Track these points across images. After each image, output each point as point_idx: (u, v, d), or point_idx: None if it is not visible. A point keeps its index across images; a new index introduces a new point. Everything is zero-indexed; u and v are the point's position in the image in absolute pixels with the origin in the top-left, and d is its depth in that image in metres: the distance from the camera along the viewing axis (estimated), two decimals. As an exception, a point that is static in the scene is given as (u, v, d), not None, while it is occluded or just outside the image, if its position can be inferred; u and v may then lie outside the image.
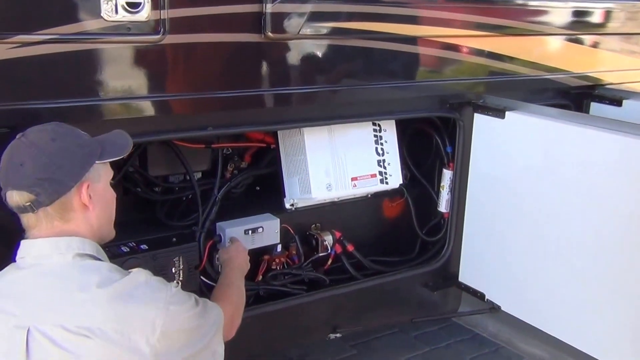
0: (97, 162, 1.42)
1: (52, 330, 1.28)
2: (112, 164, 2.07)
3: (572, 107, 2.89)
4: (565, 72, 2.84)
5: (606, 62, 3.00)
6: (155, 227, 2.23)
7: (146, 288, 1.36)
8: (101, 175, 1.44)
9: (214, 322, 1.49)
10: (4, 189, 1.37)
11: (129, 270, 1.41)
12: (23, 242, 1.39)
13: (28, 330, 1.28)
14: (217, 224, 2.29)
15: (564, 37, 2.81)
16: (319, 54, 2.16)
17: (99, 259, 1.42)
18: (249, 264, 2.05)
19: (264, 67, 2.06)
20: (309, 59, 2.14)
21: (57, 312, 1.29)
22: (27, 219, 1.38)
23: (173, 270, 2.10)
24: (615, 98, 2.91)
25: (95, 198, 1.41)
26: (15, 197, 1.35)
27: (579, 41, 2.88)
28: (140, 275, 1.38)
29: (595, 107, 2.96)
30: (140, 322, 1.30)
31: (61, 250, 1.36)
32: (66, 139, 1.40)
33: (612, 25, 2.99)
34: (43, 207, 1.35)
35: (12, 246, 1.41)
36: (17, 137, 1.39)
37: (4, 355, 1.30)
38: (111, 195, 1.50)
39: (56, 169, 1.35)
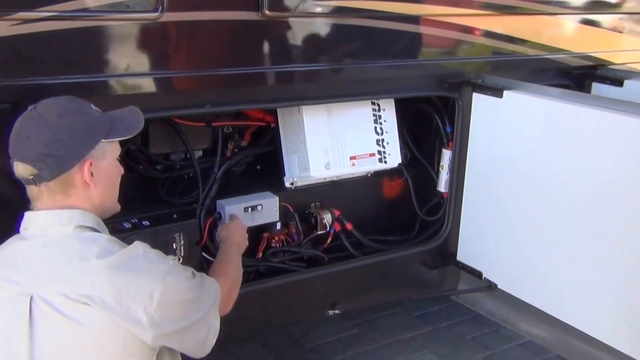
0: (103, 140, 1.43)
1: (54, 298, 1.31)
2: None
3: (573, 87, 2.86)
4: (566, 52, 2.84)
5: (608, 42, 2.99)
6: (156, 204, 2.27)
7: (144, 260, 1.39)
8: (106, 153, 1.45)
9: (211, 295, 1.52)
10: (12, 159, 1.41)
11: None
12: (27, 214, 1.43)
13: (31, 298, 1.32)
14: (217, 201, 2.32)
15: (566, 16, 2.81)
16: (317, 32, 2.18)
17: (99, 232, 1.44)
18: (247, 242, 2.07)
19: (262, 45, 2.08)
20: (306, 37, 2.16)
21: (58, 281, 1.33)
22: (31, 191, 1.42)
23: (174, 246, 2.15)
24: (616, 78, 2.89)
25: (98, 175, 1.43)
26: (20, 169, 1.39)
27: (580, 21, 2.87)
28: (138, 248, 1.41)
29: (597, 88, 2.94)
30: (138, 292, 1.33)
31: (63, 222, 1.39)
32: (74, 116, 1.41)
33: (615, 5, 2.98)
34: (45, 182, 1.38)
35: (17, 218, 1.45)
36: (29, 108, 1.41)
37: (9, 322, 1.33)
38: (116, 173, 1.51)
39: (60, 146, 1.37)
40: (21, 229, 1.44)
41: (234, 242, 1.98)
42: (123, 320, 1.31)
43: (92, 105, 1.47)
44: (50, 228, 1.39)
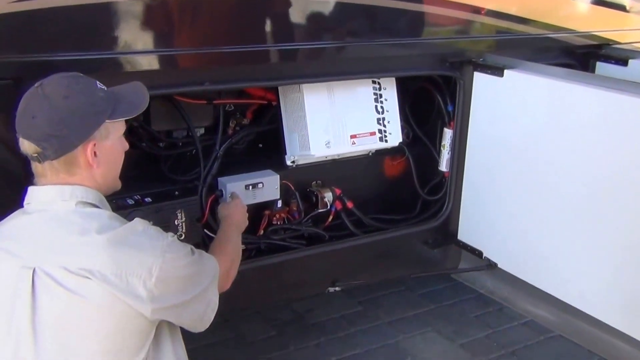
0: (107, 121, 1.44)
1: (55, 271, 1.34)
2: None
3: (577, 67, 2.87)
4: (570, 31, 2.83)
5: (613, 21, 2.97)
6: (159, 181, 2.30)
7: (144, 236, 1.41)
8: (110, 132, 1.46)
9: (209, 272, 1.55)
10: (18, 135, 1.43)
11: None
12: (30, 189, 1.46)
13: (34, 271, 1.35)
14: (219, 179, 2.35)
15: None
16: (317, 10, 2.19)
17: (101, 208, 1.47)
18: (247, 221, 2.09)
19: (262, 22, 2.10)
20: (307, 15, 2.18)
21: (59, 254, 1.36)
22: (35, 167, 1.45)
23: (176, 222, 2.18)
24: (621, 57, 2.89)
25: (101, 155, 1.45)
26: (26, 146, 1.42)
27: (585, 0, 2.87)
28: (138, 224, 1.43)
29: (601, 67, 2.95)
30: (138, 267, 1.36)
31: (65, 197, 1.42)
32: (79, 97, 1.42)
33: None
34: (49, 160, 1.41)
35: (21, 192, 1.48)
36: (35, 86, 1.43)
37: (12, 294, 1.37)
38: (119, 151, 1.52)
39: (64, 127, 1.39)
40: (25, 203, 1.47)
41: (233, 221, 2.00)
42: (123, 294, 1.34)
43: (97, 83, 1.47)
44: (52, 203, 1.42)
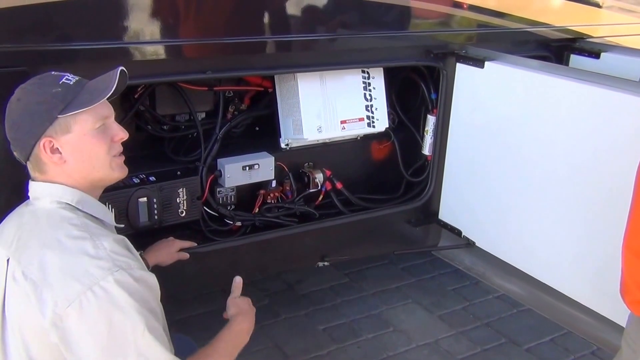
0: (59, 116, 1.35)
1: (17, 269, 1.32)
2: (123, 102, 2.22)
3: (552, 59, 2.98)
4: (546, 26, 2.94)
5: (587, 16, 3.07)
6: (162, 161, 2.41)
7: (87, 263, 1.27)
8: (71, 126, 1.36)
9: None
10: None
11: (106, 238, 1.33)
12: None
13: (8, 261, 1.35)
14: (218, 160, 2.46)
15: None
16: (311, 4, 2.30)
17: (78, 208, 1.39)
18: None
19: (258, 16, 2.20)
20: (301, 9, 2.28)
21: (23, 254, 1.33)
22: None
23: (177, 200, 2.31)
24: (594, 51, 2.99)
25: (67, 150, 1.37)
26: None
27: None
28: (96, 248, 1.29)
29: (575, 59, 3.05)
30: (59, 289, 1.25)
31: (44, 195, 1.40)
32: (29, 97, 1.37)
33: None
34: (25, 161, 1.41)
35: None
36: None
37: None
38: (92, 143, 1.39)
39: (17, 129, 1.38)
40: None
41: (242, 330, 1.62)
42: (35, 302, 1.27)
43: (62, 78, 1.39)
44: (36, 200, 1.41)
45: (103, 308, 1.24)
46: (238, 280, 1.76)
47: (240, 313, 1.64)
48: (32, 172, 1.42)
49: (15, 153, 1.42)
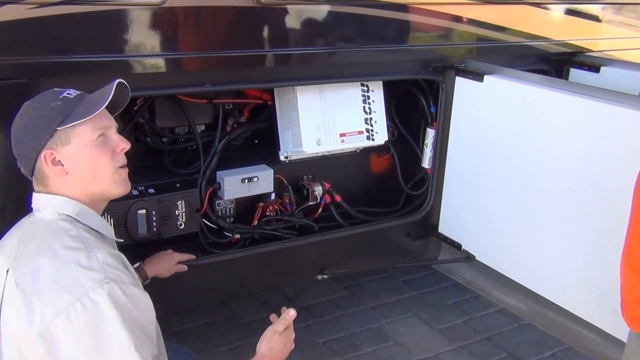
0: (58, 128, 1.36)
1: (10, 278, 1.33)
2: (123, 115, 2.21)
3: (552, 73, 2.99)
4: (546, 40, 2.94)
5: (587, 30, 3.07)
6: (162, 173, 2.42)
7: (78, 273, 1.25)
8: (71, 138, 1.38)
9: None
10: None
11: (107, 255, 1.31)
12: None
13: (7, 271, 1.35)
14: (217, 172, 2.47)
15: (547, 5, 2.91)
16: (309, 18, 2.31)
17: (78, 220, 1.39)
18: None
19: (257, 30, 2.21)
20: (299, 23, 2.30)
21: (20, 264, 1.33)
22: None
23: (176, 212, 2.32)
24: (593, 65, 2.99)
25: (68, 162, 1.39)
26: None
27: (560, 10, 2.97)
28: (89, 259, 1.28)
29: (575, 73, 3.05)
30: (49, 298, 1.24)
31: (41, 206, 1.41)
32: (30, 112, 1.41)
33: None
34: (30, 176, 1.44)
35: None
36: None
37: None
38: (92, 155, 1.40)
39: (19, 144, 1.41)
40: None
41: None
42: (24, 310, 1.27)
43: (62, 94, 1.41)
44: (38, 211, 1.42)
45: (90, 321, 1.22)
46: (292, 314, 1.59)
47: (269, 356, 1.53)
48: (36, 186, 1.44)
49: (21, 169, 1.44)
